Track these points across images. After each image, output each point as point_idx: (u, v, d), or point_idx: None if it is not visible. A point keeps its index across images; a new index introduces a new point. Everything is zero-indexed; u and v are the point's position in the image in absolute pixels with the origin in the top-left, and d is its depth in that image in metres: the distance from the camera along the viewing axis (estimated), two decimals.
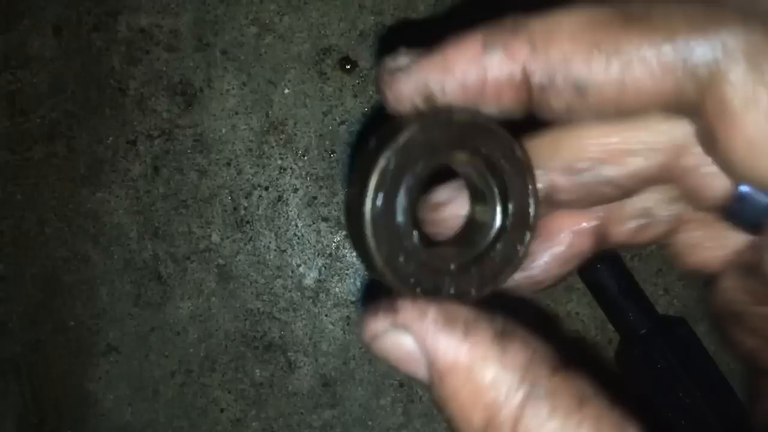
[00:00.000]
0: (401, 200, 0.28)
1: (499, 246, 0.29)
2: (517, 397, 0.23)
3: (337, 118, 0.68)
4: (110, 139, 0.68)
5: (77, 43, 0.68)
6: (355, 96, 0.68)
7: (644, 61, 0.23)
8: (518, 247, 0.29)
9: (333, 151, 0.67)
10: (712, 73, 0.22)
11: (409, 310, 0.26)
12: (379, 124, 0.28)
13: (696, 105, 0.23)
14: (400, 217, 0.28)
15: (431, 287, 0.27)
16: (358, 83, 0.68)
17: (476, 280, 0.28)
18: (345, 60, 0.68)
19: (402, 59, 0.27)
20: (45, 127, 0.68)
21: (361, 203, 0.27)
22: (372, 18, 0.68)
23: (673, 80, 0.23)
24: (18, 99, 0.68)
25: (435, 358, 0.25)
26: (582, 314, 0.67)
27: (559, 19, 0.24)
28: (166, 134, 0.68)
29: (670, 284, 0.67)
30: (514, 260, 0.29)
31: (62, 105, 0.68)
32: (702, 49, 0.22)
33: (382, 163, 0.27)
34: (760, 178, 0.22)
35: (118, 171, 0.68)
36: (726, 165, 0.24)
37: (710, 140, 0.24)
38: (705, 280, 0.29)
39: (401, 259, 0.27)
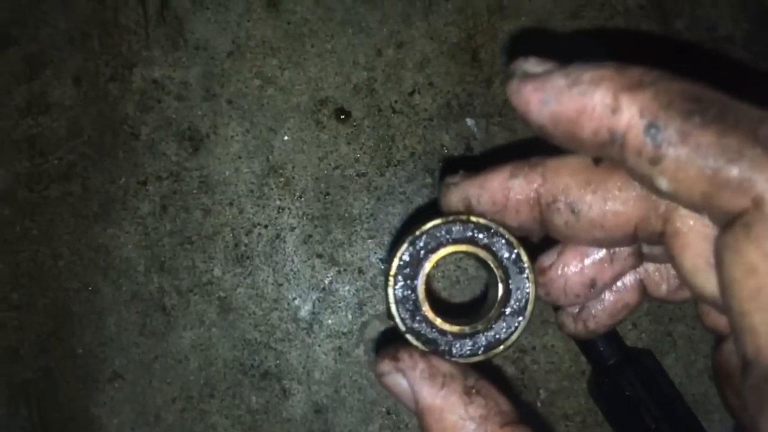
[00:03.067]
0: (419, 280, 0.36)
1: (496, 326, 0.36)
2: None
3: (332, 163, 0.73)
4: (122, 179, 0.73)
5: (95, 92, 0.75)
6: (349, 143, 0.74)
7: (620, 194, 0.30)
8: (512, 331, 0.36)
9: (328, 193, 0.73)
10: (668, 206, 0.29)
11: (405, 360, 0.34)
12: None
13: (658, 229, 0.30)
14: (418, 294, 0.36)
15: (436, 348, 0.35)
16: (351, 132, 0.74)
17: (470, 349, 0.35)
18: (340, 111, 0.74)
19: (455, 177, 0.36)
20: (62, 168, 0.74)
21: (387, 284, 0.36)
22: (365, 73, 0.74)
23: (641, 210, 0.30)
24: (38, 142, 0.74)
25: (418, 399, 0.33)
26: (557, 346, 0.72)
27: (566, 160, 0.33)
28: (174, 176, 0.73)
29: (638, 319, 0.72)
30: (506, 341, 0.36)
31: (79, 148, 0.74)
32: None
33: (401, 250, 0.35)
34: (701, 290, 0.29)
35: (128, 209, 0.73)
36: (680, 278, 0.31)
37: (670, 258, 0.30)
38: (716, 338, 0.35)
39: (416, 325, 0.35)
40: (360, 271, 0.73)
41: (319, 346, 0.72)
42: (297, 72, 0.74)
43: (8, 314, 0.73)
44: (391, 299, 0.36)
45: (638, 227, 0.31)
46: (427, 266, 0.36)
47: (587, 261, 0.36)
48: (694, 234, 0.28)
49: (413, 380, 0.33)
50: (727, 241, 0.25)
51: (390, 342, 0.36)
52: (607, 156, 0.29)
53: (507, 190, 0.34)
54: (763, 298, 0.23)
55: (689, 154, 0.25)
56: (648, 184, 0.28)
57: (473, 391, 0.32)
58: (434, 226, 0.36)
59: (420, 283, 0.36)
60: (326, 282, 0.73)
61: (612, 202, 0.31)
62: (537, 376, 0.72)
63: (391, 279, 0.36)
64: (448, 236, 0.36)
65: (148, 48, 0.75)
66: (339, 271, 0.73)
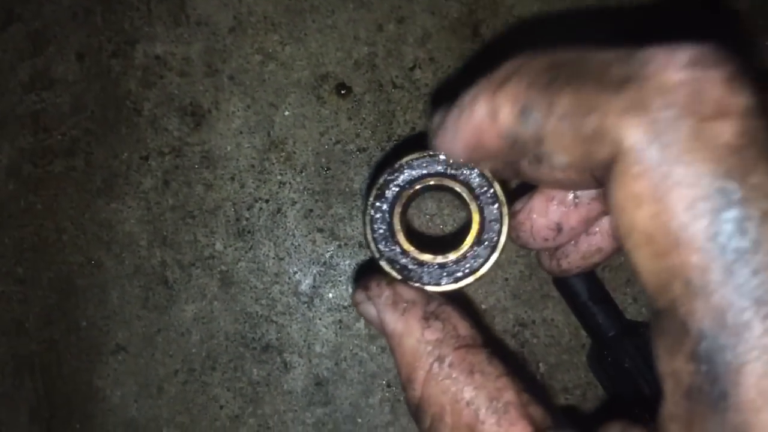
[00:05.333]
0: (396, 210, 0.36)
1: (468, 257, 0.37)
2: (428, 360, 0.32)
3: (333, 138, 0.74)
4: (125, 154, 0.74)
5: (98, 68, 0.75)
6: (350, 118, 0.74)
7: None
8: (483, 262, 0.37)
9: (328, 168, 0.74)
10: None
11: (373, 289, 0.35)
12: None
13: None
14: (394, 222, 0.36)
15: (409, 276, 0.36)
16: (352, 107, 0.74)
17: (443, 278, 0.36)
18: (341, 86, 0.75)
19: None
20: (66, 143, 0.74)
21: (364, 213, 0.36)
22: (366, 48, 0.75)
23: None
24: (42, 117, 0.75)
25: (384, 325, 0.34)
26: (557, 320, 0.72)
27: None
28: (176, 151, 0.74)
29: (638, 294, 0.72)
30: (477, 271, 0.37)
31: (82, 123, 0.74)
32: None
33: (380, 180, 0.36)
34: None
35: (131, 184, 0.74)
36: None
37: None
38: None
39: (390, 253, 0.36)
40: (360, 245, 0.73)
41: (320, 319, 0.73)
42: (298, 47, 0.75)
43: (13, 288, 0.74)
44: (368, 227, 0.37)
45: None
46: (404, 197, 0.37)
47: (552, 205, 0.36)
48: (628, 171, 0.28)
49: (379, 307, 0.34)
50: (606, 190, 0.25)
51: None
52: (525, 157, 0.29)
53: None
54: (635, 235, 0.23)
55: (558, 122, 0.25)
56: (552, 165, 0.28)
57: (432, 316, 0.33)
58: (412, 159, 0.37)
59: (396, 213, 0.37)
60: (327, 256, 0.73)
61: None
62: (537, 349, 0.72)
63: (369, 208, 0.37)
64: (425, 170, 0.37)
65: (150, 24, 0.75)
66: (340, 246, 0.73)
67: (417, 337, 0.33)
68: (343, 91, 0.74)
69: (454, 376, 0.31)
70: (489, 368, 0.32)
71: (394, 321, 0.33)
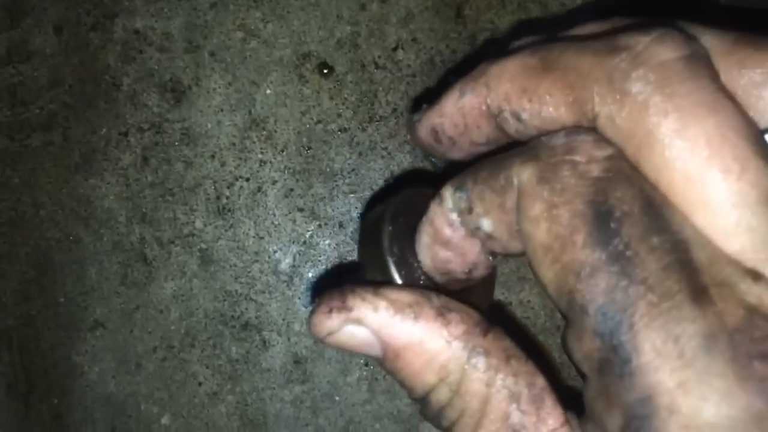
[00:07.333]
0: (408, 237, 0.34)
1: None
2: (462, 358, 0.29)
3: (314, 118, 0.74)
4: (104, 130, 0.73)
5: (76, 42, 0.74)
6: (331, 98, 0.74)
7: (550, 100, 0.29)
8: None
9: (309, 148, 0.73)
10: (593, 111, 0.28)
11: (359, 306, 0.30)
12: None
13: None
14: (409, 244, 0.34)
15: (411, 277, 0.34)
16: (334, 87, 0.74)
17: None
18: (323, 65, 0.74)
19: (418, 114, 0.36)
20: (43, 117, 0.73)
21: (381, 234, 0.34)
22: (349, 28, 0.74)
23: (573, 115, 0.29)
24: (19, 91, 0.74)
25: (390, 341, 0.30)
26: (533, 302, 0.73)
27: (507, 64, 0.31)
28: (155, 127, 0.73)
29: None
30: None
31: (60, 97, 0.74)
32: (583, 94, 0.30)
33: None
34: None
35: (110, 160, 0.73)
36: None
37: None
38: None
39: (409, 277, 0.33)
40: (341, 225, 0.73)
41: (299, 298, 0.73)
42: (280, 25, 0.74)
43: None
44: (386, 247, 0.34)
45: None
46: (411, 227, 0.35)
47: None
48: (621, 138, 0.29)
49: (379, 323, 0.30)
50: (519, 229, 0.29)
51: None
52: (470, 231, 0.32)
53: (461, 109, 0.33)
54: (538, 251, 0.27)
55: (479, 188, 0.30)
56: (485, 236, 0.31)
57: (445, 309, 0.30)
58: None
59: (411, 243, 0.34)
60: (307, 236, 0.73)
61: (546, 109, 0.30)
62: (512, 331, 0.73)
63: (386, 231, 0.34)
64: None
65: None
66: (320, 225, 0.73)
67: (444, 337, 0.29)
68: (325, 71, 0.74)
69: (494, 365, 0.29)
70: (518, 351, 0.30)
71: (407, 332, 0.29)
